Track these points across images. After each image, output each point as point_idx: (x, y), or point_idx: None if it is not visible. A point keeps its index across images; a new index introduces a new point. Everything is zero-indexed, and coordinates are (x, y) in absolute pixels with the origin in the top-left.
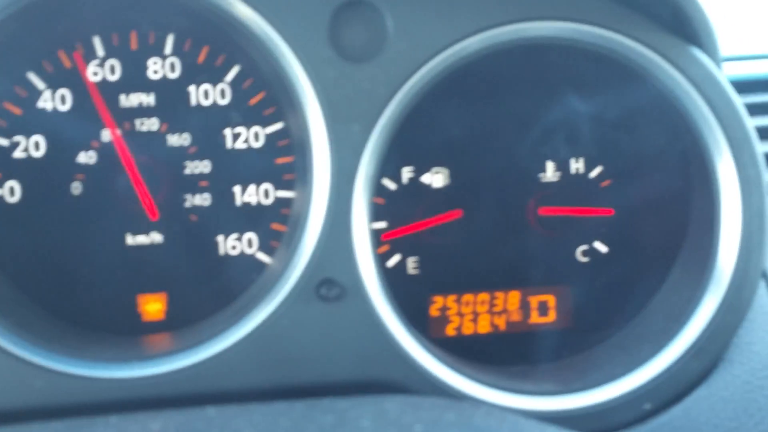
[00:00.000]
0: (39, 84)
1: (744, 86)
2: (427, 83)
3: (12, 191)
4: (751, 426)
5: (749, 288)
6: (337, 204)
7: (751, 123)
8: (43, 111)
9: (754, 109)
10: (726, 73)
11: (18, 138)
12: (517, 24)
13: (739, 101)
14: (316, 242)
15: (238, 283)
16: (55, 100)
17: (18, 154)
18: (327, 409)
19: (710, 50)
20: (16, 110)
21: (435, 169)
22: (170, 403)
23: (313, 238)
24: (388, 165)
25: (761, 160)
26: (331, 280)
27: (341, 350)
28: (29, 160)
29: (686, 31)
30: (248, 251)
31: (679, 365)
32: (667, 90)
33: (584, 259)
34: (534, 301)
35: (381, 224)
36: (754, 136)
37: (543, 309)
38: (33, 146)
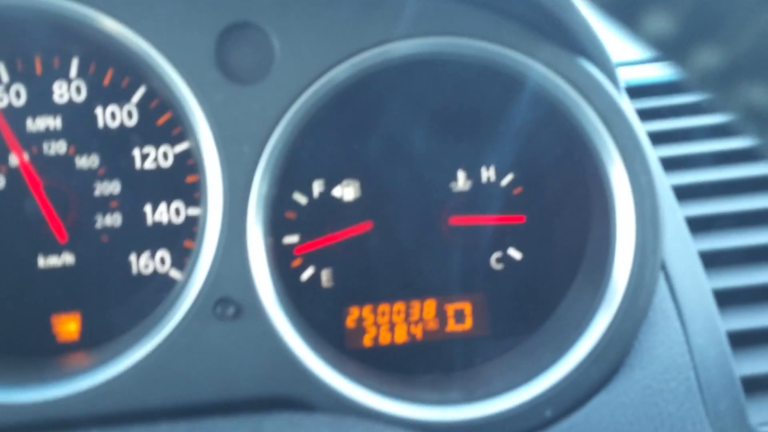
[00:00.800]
0: None
1: (642, 90)
2: (313, 105)
3: None
4: (651, 429)
5: (645, 294)
6: (231, 222)
7: (645, 128)
8: None
9: (652, 114)
10: (623, 78)
11: None
12: (388, 44)
13: (629, 109)
14: (211, 261)
15: (150, 301)
16: None
17: None
18: (205, 429)
19: (598, 59)
20: None
21: (345, 181)
22: (70, 425)
23: (210, 257)
24: (297, 179)
25: (653, 167)
26: (227, 299)
27: (242, 368)
28: None
29: (571, 42)
30: (161, 269)
31: (580, 372)
32: (556, 100)
33: (498, 267)
34: (450, 309)
35: (293, 238)
36: (645, 143)
37: (459, 317)
38: None
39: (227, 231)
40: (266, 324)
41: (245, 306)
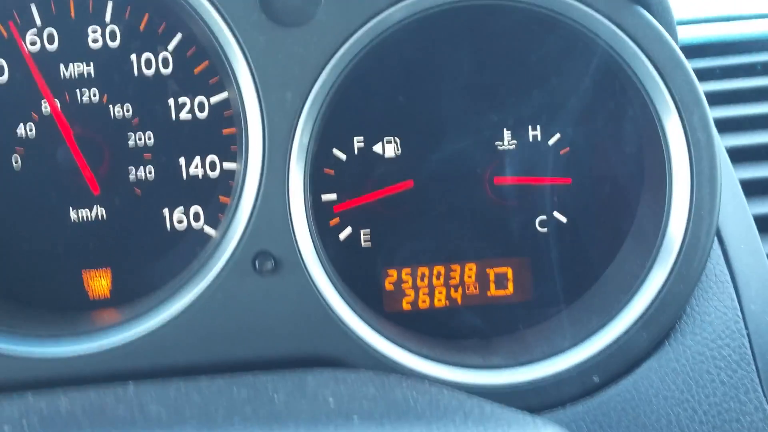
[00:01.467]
0: None
1: (695, 50)
2: (361, 49)
3: None
4: (702, 398)
5: (700, 257)
6: (272, 174)
7: (703, 87)
8: None
9: (705, 74)
10: (680, 37)
11: None
12: None
13: (688, 64)
14: (251, 213)
15: (183, 257)
16: None
17: None
18: (246, 383)
19: (658, 10)
20: None
21: (386, 138)
22: (106, 380)
23: (248, 210)
24: (337, 135)
25: (711, 124)
26: (266, 252)
27: (279, 324)
28: None
29: None
30: (195, 225)
31: (629, 337)
32: (613, 51)
33: (543, 230)
34: (491, 273)
35: (331, 196)
36: (704, 99)
37: (501, 281)
38: None
39: (267, 181)
40: (305, 279)
41: (284, 260)
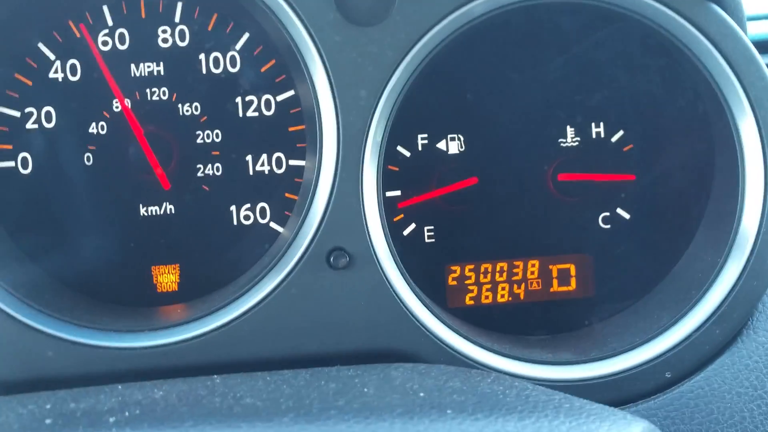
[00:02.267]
0: (50, 54)
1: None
2: (435, 47)
3: (25, 162)
4: None
5: None
6: (346, 171)
7: None
8: (54, 82)
9: None
10: (750, 33)
11: (30, 109)
12: None
13: (761, 59)
14: (324, 210)
15: (251, 253)
16: (66, 71)
17: (30, 125)
18: (332, 377)
19: (730, 7)
20: (28, 81)
21: (450, 135)
22: (181, 373)
23: (322, 206)
24: (401, 132)
25: None
26: (341, 248)
27: (352, 319)
28: (41, 131)
29: None
30: (261, 221)
31: (701, 333)
32: (686, 49)
33: (606, 227)
34: (554, 269)
35: (395, 192)
36: None
37: (564, 277)
38: (45, 117)
39: (341, 178)
40: (379, 274)
41: (358, 256)
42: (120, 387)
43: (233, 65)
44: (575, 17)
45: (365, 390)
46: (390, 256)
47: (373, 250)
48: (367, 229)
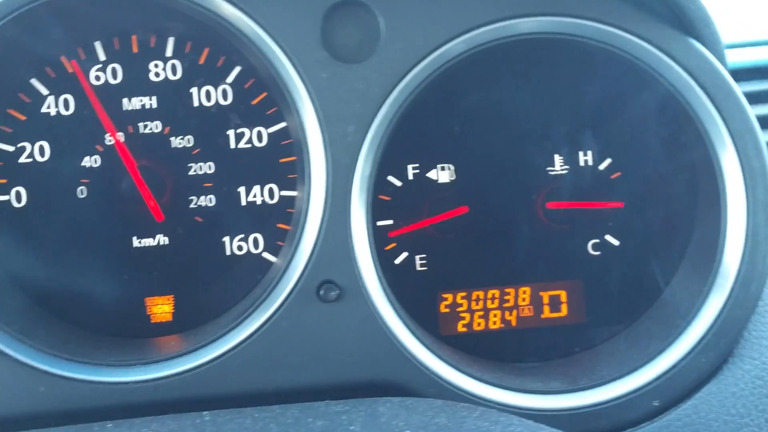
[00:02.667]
0: (42, 90)
1: (747, 73)
2: (420, 83)
3: (18, 196)
4: (762, 422)
5: (757, 282)
6: (335, 205)
7: (754, 112)
8: (47, 116)
9: (759, 97)
10: (729, 61)
11: (23, 143)
12: (506, 21)
13: (740, 92)
14: (314, 243)
15: (243, 283)
16: (58, 106)
17: (23, 159)
18: (320, 413)
19: (709, 40)
20: (21, 116)
21: (440, 165)
22: (172, 407)
23: (312, 239)
24: (392, 162)
25: (765, 151)
26: (331, 281)
27: (343, 352)
28: (35, 164)
29: (683, 22)
30: (254, 251)
31: (688, 361)
32: (666, 82)
33: (595, 253)
34: (545, 296)
35: (387, 222)
36: (757, 126)
37: (555, 304)
38: (38, 151)
39: (330, 212)
40: (369, 307)
41: (347, 288)
42: (110, 425)
43: (225, 98)
44: (556, 52)
45: (351, 428)
46: (380, 288)
47: (363, 283)
48: (356, 263)
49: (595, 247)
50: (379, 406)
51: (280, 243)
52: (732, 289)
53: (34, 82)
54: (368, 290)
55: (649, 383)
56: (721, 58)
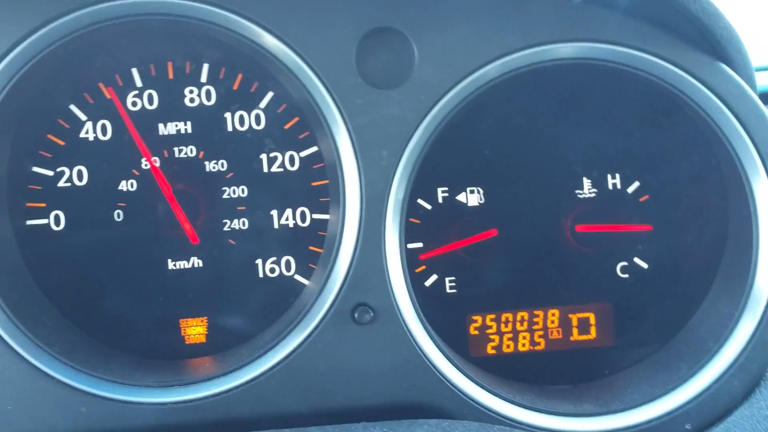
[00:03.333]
0: (80, 115)
1: None
2: (453, 108)
3: (57, 220)
4: None
5: None
6: (369, 228)
7: None
8: (85, 141)
9: None
10: (759, 84)
11: (62, 168)
12: (539, 47)
13: None
14: (349, 266)
15: (277, 305)
16: (96, 131)
17: (62, 183)
18: None
19: (739, 65)
20: (60, 141)
21: (469, 188)
22: (211, 428)
23: (347, 262)
24: (422, 185)
25: None
26: (365, 304)
27: (378, 373)
28: (73, 189)
29: (714, 48)
30: (287, 273)
31: (720, 384)
32: (697, 107)
33: (624, 276)
34: (574, 318)
35: (417, 244)
36: None
37: (584, 326)
38: (76, 176)
39: (364, 235)
40: (402, 329)
41: (381, 311)
42: None
43: (258, 123)
44: (588, 76)
45: None
46: (413, 310)
47: (397, 305)
48: (391, 285)
49: (623, 269)
50: (417, 428)
51: (312, 266)
52: (764, 312)
53: (73, 108)
54: (402, 313)
55: (681, 406)
56: (751, 82)
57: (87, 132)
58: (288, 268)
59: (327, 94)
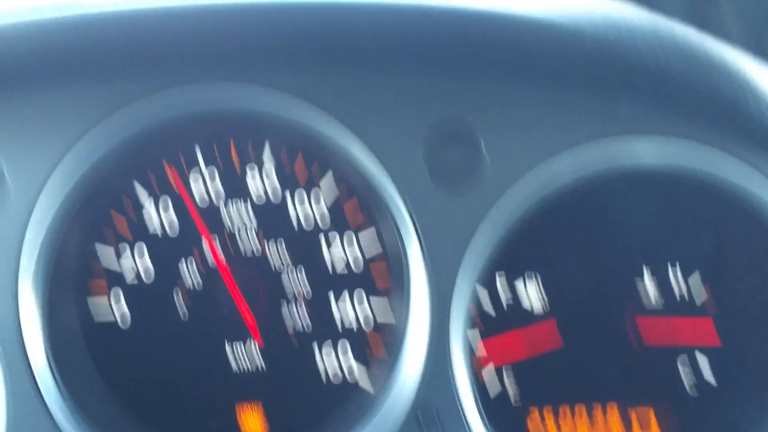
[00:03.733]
0: (143, 194)
1: None
2: (522, 211)
3: (124, 318)
4: None
5: None
6: (436, 331)
7: None
8: (148, 221)
9: None
10: None
11: (123, 245)
12: (606, 138)
13: None
14: (418, 370)
15: (335, 404)
16: (159, 212)
17: (129, 280)
18: None
19: None
20: (129, 237)
21: (527, 274)
22: None
23: (413, 366)
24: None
25: None
26: (431, 408)
27: None
28: (140, 287)
29: None
30: (349, 378)
31: None
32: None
33: (686, 371)
34: (634, 414)
35: (474, 332)
36: None
37: (644, 423)
38: (143, 270)
39: (431, 338)
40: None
41: (447, 415)
42: None
43: (317, 202)
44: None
45: None
46: (477, 413)
47: (462, 408)
48: (456, 389)
49: (684, 364)
50: None
51: (376, 366)
52: None
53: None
54: (467, 416)
55: None
56: None
57: (149, 211)
58: (350, 372)
59: (394, 188)
